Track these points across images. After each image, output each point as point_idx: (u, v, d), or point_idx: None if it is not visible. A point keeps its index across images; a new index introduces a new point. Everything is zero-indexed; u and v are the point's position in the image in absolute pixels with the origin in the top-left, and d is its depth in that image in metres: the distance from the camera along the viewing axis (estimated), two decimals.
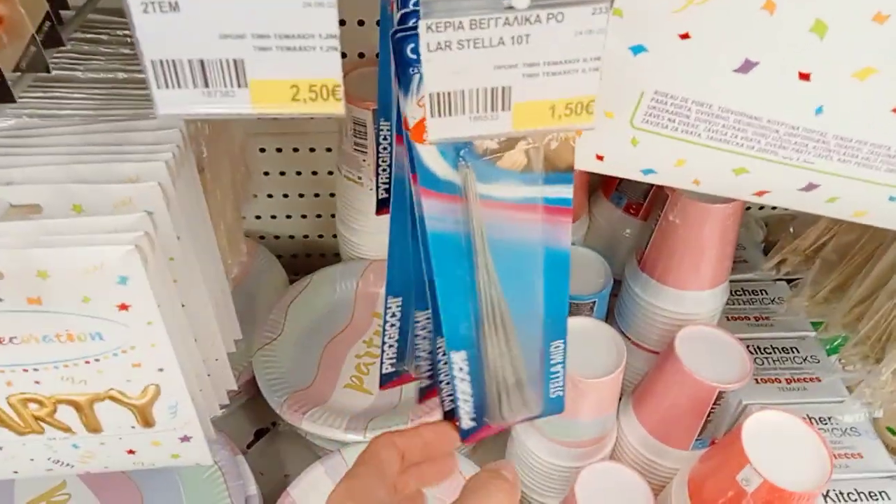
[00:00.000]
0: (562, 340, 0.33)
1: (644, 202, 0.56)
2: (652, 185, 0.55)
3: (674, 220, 0.48)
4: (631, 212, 0.57)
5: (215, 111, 0.20)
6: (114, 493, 0.50)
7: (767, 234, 0.69)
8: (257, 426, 0.63)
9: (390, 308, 0.48)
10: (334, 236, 0.73)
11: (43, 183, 0.31)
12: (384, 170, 0.49)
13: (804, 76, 0.25)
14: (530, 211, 0.28)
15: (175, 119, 0.36)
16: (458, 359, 0.30)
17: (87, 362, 0.31)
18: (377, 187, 0.52)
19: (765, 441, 0.42)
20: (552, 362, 0.33)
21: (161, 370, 0.33)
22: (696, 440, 0.50)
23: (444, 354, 0.31)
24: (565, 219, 0.29)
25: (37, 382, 0.32)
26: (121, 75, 0.39)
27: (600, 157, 0.31)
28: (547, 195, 0.28)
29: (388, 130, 0.46)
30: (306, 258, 0.75)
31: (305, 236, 0.73)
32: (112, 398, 0.33)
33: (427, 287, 0.30)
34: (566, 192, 0.28)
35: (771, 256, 0.56)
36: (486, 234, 0.28)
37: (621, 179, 0.58)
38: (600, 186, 0.60)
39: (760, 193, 0.30)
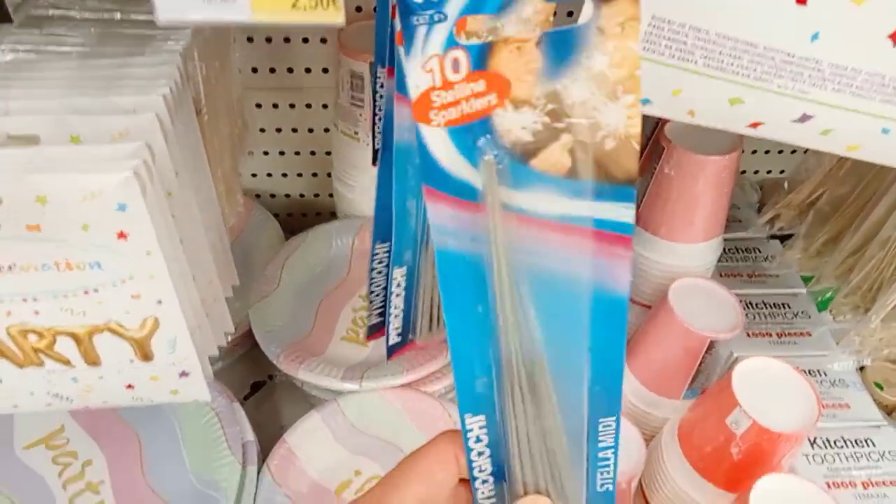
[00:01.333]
0: (614, 418, 0.25)
1: (640, 157, 0.57)
2: (648, 140, 0.55)
3: (669, 172, 0.48)
4: None
5: (215, 17, 0.20)
6: (112, 437, 0.51)
7: (762, 197, 0.69)
8: (254, 379, 0.63)
9: (377, 255, 0.48)
10: (330, 195, 0.74)
11: (40, 114, 0.31)
12: (381, 119, 0.49)
13: (801, 1, 0.25)
14: (575, 235, 0.21)
15: (172, 56, 0.36)
16: (475, 425, 0.24)
17: (86, 293, 0.32)
18: (373, 138, 0.52)
19: (754, 386, 0.42)
20: (601, 446, 0.25)
21: (160, 302, 0.33)
22: (687, 390, 0.50)
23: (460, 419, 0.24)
24: (624, 252, 0.22)
25: (36, 313, 0.32)
26: (117, 15, 0.39)
27: None
28: (598, 215, 0.21)
29: (384, 78, 0.46)
30: (302, 217, 0.75)
31: (301, 195, 0.74)
32: (111, 330, 0.33)
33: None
34: (626, 213, 0.21)
35: (765, 212, 0.57)
36: (513, 261, 0.21)
37: None
38: None
39: (755, 125, 0.30)
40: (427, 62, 0.17)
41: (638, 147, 0.20)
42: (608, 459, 0.26)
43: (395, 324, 0.50)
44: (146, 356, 0.35)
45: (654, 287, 0.54)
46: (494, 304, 0.22)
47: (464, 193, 0.20)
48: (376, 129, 0.49)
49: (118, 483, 0.49)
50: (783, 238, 0.61)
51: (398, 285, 0.45)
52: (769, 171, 0.73)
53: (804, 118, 0.28)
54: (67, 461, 0.50)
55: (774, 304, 0.56)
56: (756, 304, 0.56)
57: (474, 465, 0.24)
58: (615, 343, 0.23)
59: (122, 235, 0.30)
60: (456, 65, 0.17)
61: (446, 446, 0.25)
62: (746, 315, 0.54)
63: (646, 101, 0.30)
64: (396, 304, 0.48)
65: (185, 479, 0.49)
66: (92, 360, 0.35)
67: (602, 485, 0.26)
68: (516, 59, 0.17)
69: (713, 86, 0.28)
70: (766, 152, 0.71)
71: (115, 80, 0.34)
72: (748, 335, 0.55)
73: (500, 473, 0.25)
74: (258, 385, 0.63)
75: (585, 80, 0.18)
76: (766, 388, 0.43)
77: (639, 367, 0.52)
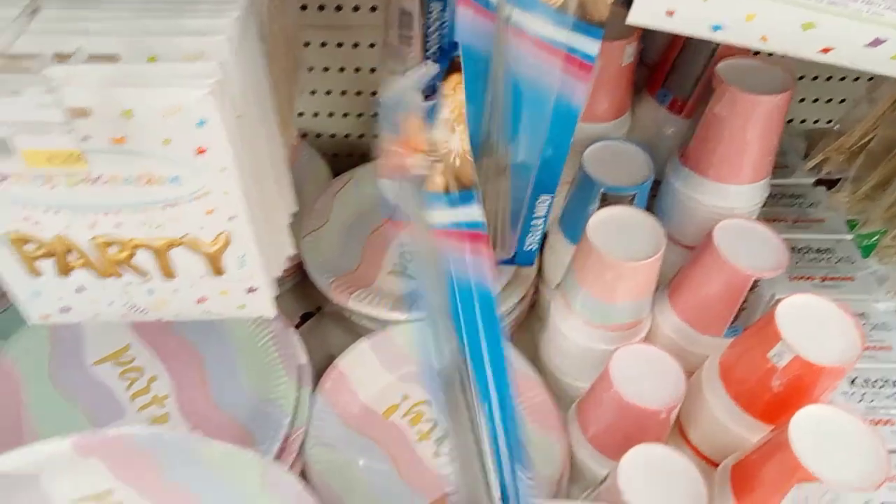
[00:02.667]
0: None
1: (689, 99, 0.57)
2: (697, 82, 0.55)
3: (720, 111, 0.49)
4: (675, 110, 0.58)
5: None
6: (175, 356, 0.54)
7: (808, 146, 0.69)
8: (303, 311, 0.66)
9: None
10: (375, 136, 0.75)
11: (118, 35, 0.33)
12: (433, 54, 0.50)
13: None
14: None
15: None
16: None
17: (165, 207, 0.34)
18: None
19: (798, 321, 0.43)
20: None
21: (232, 218, 0.35)
22: (728, 329, 0.51)
23: None
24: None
25: (117, 225, 0.34)
26: None
27: (671, 13, 0.31)
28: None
29: (440, 10, 0.47)
30: (347, 158, 0.76)
31: (347, 135, 0.75)
32: (186, 244, 0.36)
33: None
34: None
35: (813, 156, 0.57)
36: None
37: (667, 76, 0.58)
38: (645, 84, 0.60)
39: (826, 51, 0.30)
40: None
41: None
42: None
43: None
44: (218, 271, 0.37)
45: (698, 228, 0.54)
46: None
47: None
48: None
49: (182, 398, 0.52)
50: (829, 185, 0.60)
51: None
52: (816, 121, 0.73)
53: (876, 42, 0.29)
54: (134, 376, 0.53)
55: (818, 249, 0.57)
56: (800, 249, 0.57)
57: None
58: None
59: (200, 151, 0.32)
60: None
61: None
62: (789, 260, 0.55)
63: (717, 28, 0.30)
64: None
65: (245, 397, 0.52)
66: (167, 273, 0.37)
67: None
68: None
69: (787, 10, 0.28)
70: (815, 101, 0.71)
71: (187, 3, 0.35)
72: (790, 278, 0.55)
73: None
74: (307, 317, 0.66)
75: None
76: (810, 323, 0.43)
77: (682, 306, 0.53)
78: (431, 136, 0.27)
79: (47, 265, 0.37)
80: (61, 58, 0.30)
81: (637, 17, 0.29)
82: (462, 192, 0.28)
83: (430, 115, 0.27)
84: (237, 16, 0.34)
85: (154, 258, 0.36)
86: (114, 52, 0.33)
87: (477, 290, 0.27)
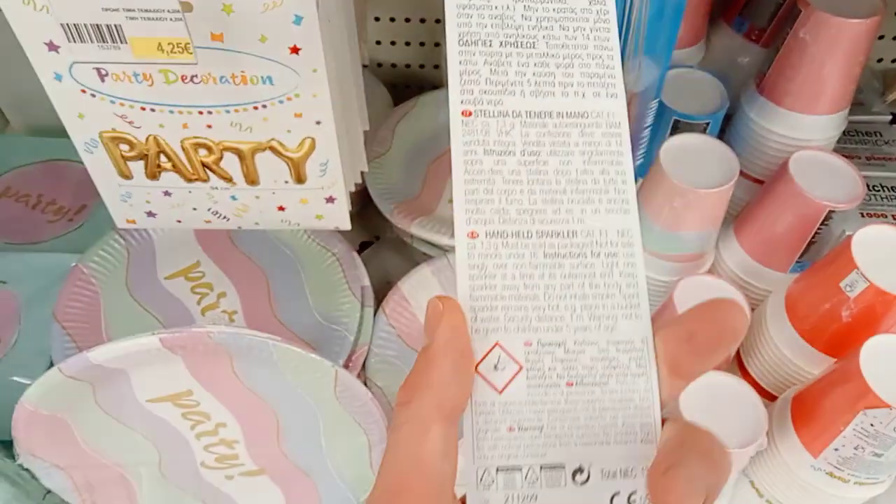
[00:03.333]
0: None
1: (767, 27, 0.55)
2: (778, 9, 0.54)
3: (804, 36, 0.47)
4: (752, 38, 0.56)
5: None
6: (242, 274, 0.55)
7: (885, 85, 0.67)
8: (362, 239, 0.67)
9: None
10: (436, 67, 0.74)
11: None
12: None
13: None
14: None
15: None
16: None
17: (256, 108, 0.34)
18: None
19: (873, 252, 0.43)
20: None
21: (318, 123, 0.35)
22: (795, 264, 0.51)
23: None
24: None
25: (209, 126, 0.35)
26: None
27: None
28: None
29: None
30: (406, 88, 0.76)
31: (408, 65, 0.74)
32: (272, 149, 0.36)
33: None
34: None
35: (891, 90, 0.55)
36: None
37: (745, 4, 0.56)
38: (721, 12, 0.58)
39: None
40: None
41: None
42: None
43: None
44: (300, 178, 0.38)
45: (770, 161, 0.53)
46: None
47: None
48: None
49: (250, 314, 0.54)
50: None
51: None
52: (894, 60, 0.70)
53: None
54: (204, 291, 0.55)
55: (893, 187, 0.55)
56: (873, 186, 0.56)
57: None
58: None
59: (294, 50, 0.32)
60: None
61: None
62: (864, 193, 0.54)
63: None
64: None
65: (310, 315, 0.53)
66: (251, 180, 0.38)
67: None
68: None
69: None
70: (895, 38, 0.68)
71: None
72: (862, 215, 0.54)
73: None
74: (365, 245, 0.67)
75: None
76: (885, 254, 0.43)
77: (748, 239, 0.52)
78: None
79: (138, 168, 0.38)
80: None
81: None
82: None
83: None
84: None
85: (240, 163, 0.37)
86: None
87: None
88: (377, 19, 0.70)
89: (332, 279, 0.54)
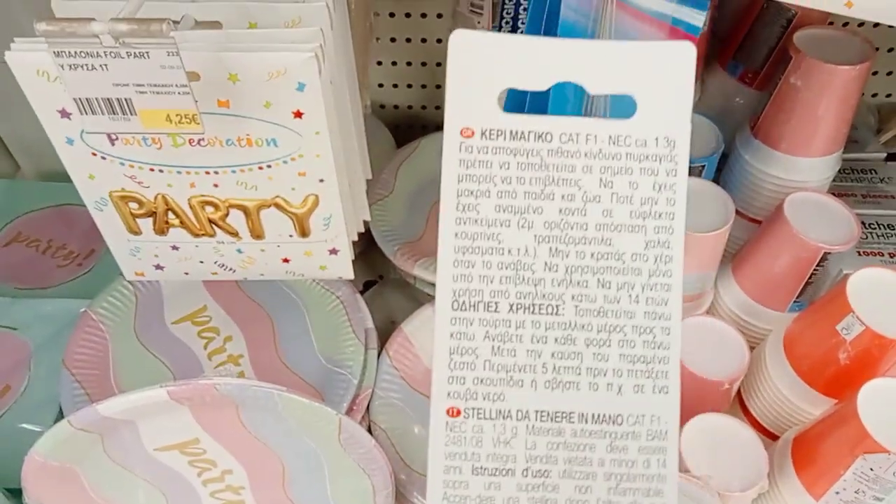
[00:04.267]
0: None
1: (761, 70, 0.56)
2: (771, 53, 0.55)
3: (795, 82, 0.48)
4: (746, 81, 0.57)
5: None
6: (248, 318, 0.56)
7: (880, 121, 0.68)
8: (365, 279, 0.68)
9: None
10: (437, 108, 0.76)
11: (221, 1, 0.34)
12: (506, 24, 0.50)
13: None
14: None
15: None
16: None
17: (261, 168, 0.36)
18: None
19: (868, 295, 0.43)
20: None
21: (321, 181, 0.36)
22: (793, 303, 0.52)
23: None
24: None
25: (215, 185, 0.36)
26: None
27: None
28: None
29: None
30: (409, 129, 0.78)
31: (410, 107, 0.76)
32: (277, 205, 0.37)
33: None
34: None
35: (886, 129, 0.56)
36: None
37: (739, 47, 0.57)
38: (716, 55, 0.60)
39: None
40: None
41: None
42: None
43: None
44: (304, 232, 0.39)
45: (766, 202, 0.54)
46: None
47: None
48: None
49: (255, 357, 0.54)
50: None
51: None
52: (889, 95, 0.71)
53: None
54: (210, 336, 0.55)
55: (889, 224, 0.56)
56: (869, 224, 0.56)
57: None
58: None
59: (297, 114, 0.33)
60: None
61: None
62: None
63: None
64: None
65: (315, 358, 0.54)
66: (257, 234, 0.39)
67: None
68: None
69: None
70: (889, 74, 0.69)
71: None
72: (859, 254, 0.55)
73: None
74: (370, 284, 0.68)
75: None
76: (881, 297, 0.43)
77: (746, 279, 0.53)
78: None
79: (146, 224, 0.39)
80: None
81: None
82: None
83: None
84: None
85: (245, 218, 0.38)
86: (216, 19, 0.34)
87: None
88: (379, 63, 0.72)
89: (336, 322, 0.55)
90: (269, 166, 0.35)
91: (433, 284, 0.59)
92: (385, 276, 0.68)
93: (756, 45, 0.55)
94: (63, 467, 0.41)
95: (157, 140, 0.34)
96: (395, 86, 0.74)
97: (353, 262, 0.67)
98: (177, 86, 0.27)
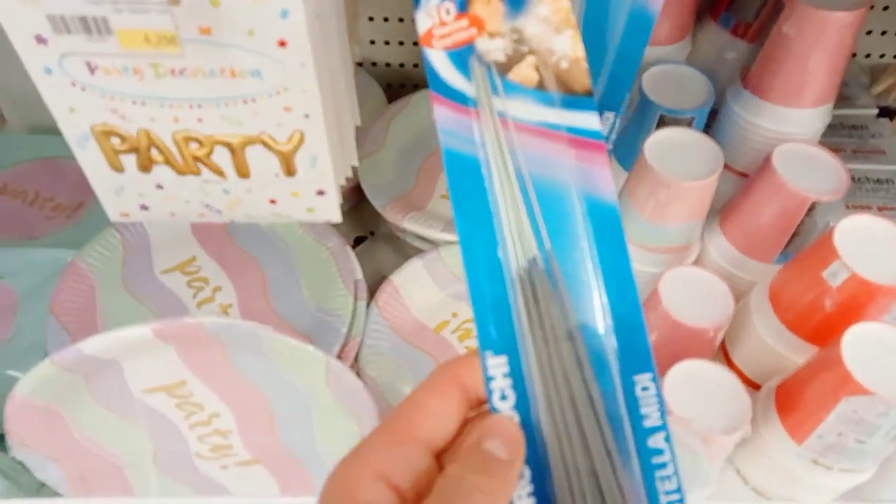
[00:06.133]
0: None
1: (754, 23, 0.56)
2: (764, 4, 0.54)
3: (787, 31, 0.48)
4: (738, 34, 0.57)
5: None
6: (238, 268, 0.56)
7: (872, 80, 0.67)
8: (356, 234, 0.68)
9: None
10: None
11: None
12: None
13: None
14: (556, 140, 0.24)
15: None
16: (497, 371, 0.23)
17: (245, 102, 0.35)
18: None
19: (855, 242, 0.43)
20: (646, 424, 0.22)
21: (307, 116, 0.36)
22: (780, 255, 0.52)
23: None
24: (600, 157, 0.24)
25: (199, 120, 0.36)
26: None
27: None
28: (570, 123, 0.24)
29: None
30: (401, 87, 0.77)
31: (402, 64, 0.75)
32: (262, 142, 0.37)
33: None
34: (592, 121, 0.24)
35: (877, 82, 0.55)
36: (511, 165, 0.24)
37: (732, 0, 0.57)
38: (708, 9, 0.59)
39: None
40: (429, 9, 0.25)
41: (587, 68, 0.25)
42: (663, 453, 0.22)
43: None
44: (290, 171, 0.39)
45: (755, 154, 0.54)
46: (498, 208, 0.24)
47: (461, 100, 0.25)
48: None
49: (245, 307, 0.54)
50: (892, 116, 0.59)
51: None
52: (882, 55, 0.70)
53: None
54: (200, 286, 0.55)
55: (878, 179, 0.56)
56: (859, 179, 0.56)
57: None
58: (618, 259, 0.23)
59: (282, 43, 0.33)
60: (447, 11, 0.25)
61: (445, 380, 0.23)
62: (848, 186, 0.54)
63: None
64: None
65: (305, 307, 0.54)
66: (243, 173, 0.39)
67: (667, 492, 0.22)
68: (486, 6, 0.25)
69: None
70: (883, 33, 0.69)
71: None
72: (847, 207, 0.55)
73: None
74: (360, 240, 0.68)
75: (536, 21, 0.25)
76: (867, 244, 0.43)
77: (733, 230, 0.53)
78: (517, 24, 0.25)
79: (130, 161, 0.38)
80: None
81: None
82: (572, 97, 0.24)
83: (515, 4, 0.25)
84: None
85: (231, 156, 0.38)
86: None
87: (587, 201, 0.24)
88: (371, 19, 0.71)
89: (326, 273, 0.55)
90: (253, 100, 0.35)
91: (422, 238, 0.59)
92: (376, 232, 0.68)
93: None
94: (47, 408, 0.41)
95: (139, 70, 0.33)
96: (388, 42, 0.73)
97: (344, 216, 0.67)
98: (155, 3, 0.26)
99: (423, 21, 0.25)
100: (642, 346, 0.23)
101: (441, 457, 0.22)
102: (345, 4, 0.47)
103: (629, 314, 0.23)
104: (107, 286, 0.54)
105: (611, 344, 0.23)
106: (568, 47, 0.25)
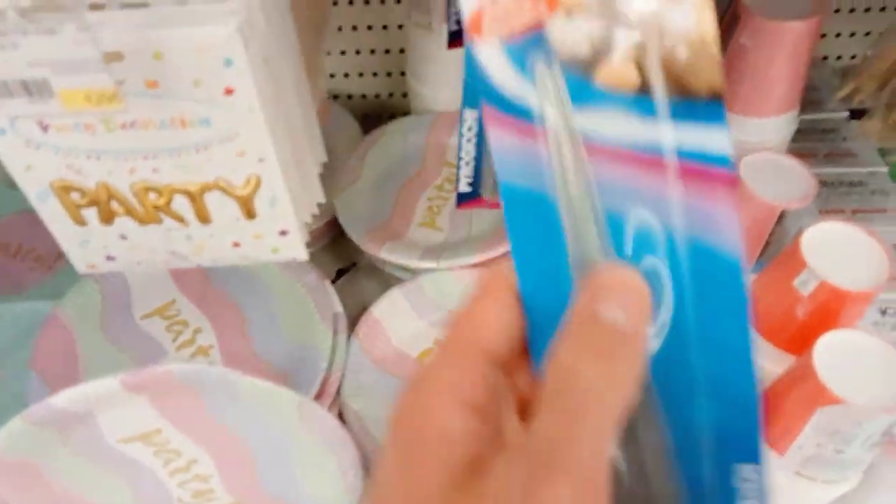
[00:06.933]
0: (754, 466, 0.19)
1: None
2: (724, 15, 0.55)
3: (745, 42, 0.48)
4: None
5: None
6: (217, 309, 0.56)
7: (842, 82, 0.67)
8: (338, 266, 0.68)
9: (466, 121, 0.50)
10: (404, 95, 0.76)
11: None
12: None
13: None
14: (654, 169, 0.17)
15: None
16: None
17: (198, 150, 0.35)
18: (448, 19, 0.54)
19: (824, 248, 0.43)
20: None
21: (261, 160, 0.36)
22: (756, 263, 0.51)
23: None
24: (724, 191, 0.16)
25: (155, 170, 0.36)
26: None
27: None
28: (682, 144, 0.17)
29: None
30: (376, 119, 0.77)
31: (377, 95, 0.76)
32: (220, 188, 0.37)
33: None
34: (717, 140, 0.16)
35: (844, 84, 0.56)
36: (600, 205, 0.17)
37: None
38: None
39: None
40: None
41: (718, 54, 0.16)
42: None
43: (465, 171, 0.51)
44: (250, 214, 0.39)
45: None
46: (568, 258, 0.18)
47: (525, 115, 0.17)
48: (451, 10, 0.50)
49: (225, 348, 0.54)
50: (861, 116, 0.59)
51: (469, 129, 0.47)
52: (853, 57, 0.71)
53: None
54: (179, 329, 0.55)
55: (850, 182, 0.56)
56: (831, 183, 0.56)
57: None
58: (738, 328, 0.17)
59: (228, 91, 0.33)
60: None
61: (495, 283, 0.19)
62: (820, 194, 0.54)
63: None
64: (467, 150, 0.49)
65: (284, 345, 0.54)
66: (204, 219, 0.39)
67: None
68: None
69: None
70: (851, 35, 0.69)
71: None
72: (820, 212, 0.55)
73: None
74: (342, 272, 0.68)
75: None
76: (836, 250, 0.43)
77: None
78: None
79: (91, 214, 0.39)
80: (95, 7, 0.31)
81: None
82: (688, 102, 0.16)
83: None
84: None
85: (190, 203, 0.38)
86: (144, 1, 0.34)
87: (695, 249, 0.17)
88: (343, 52, 0.72)
89: (304, 308, 0.55)
90: (206, 148, 0.35)
91: (402, 268, 0.59)
92: (357, 263, 0.68)
93: None
94: (23, 463, 0.41)
95: (90, 125, 0.34)
96: (361, 74, 0.74)
97: (325, 249, 0.67)
98: (93, 62, 0.27)
99: (469, 2, 0.17)
100: (750, 421, 0.18)
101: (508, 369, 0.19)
102: (303, 41, 0.47)
103: (739, 386, 0.18)
104: (87, 335, 0.54)
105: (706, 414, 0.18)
106: (690, 23, 0.16)
